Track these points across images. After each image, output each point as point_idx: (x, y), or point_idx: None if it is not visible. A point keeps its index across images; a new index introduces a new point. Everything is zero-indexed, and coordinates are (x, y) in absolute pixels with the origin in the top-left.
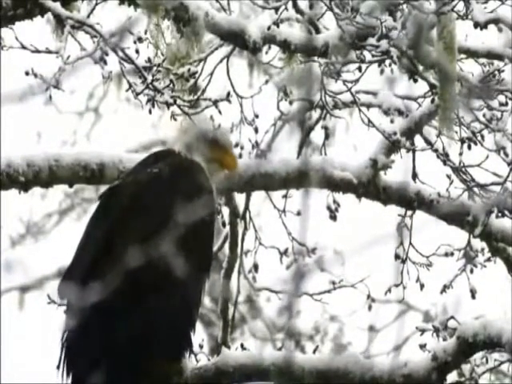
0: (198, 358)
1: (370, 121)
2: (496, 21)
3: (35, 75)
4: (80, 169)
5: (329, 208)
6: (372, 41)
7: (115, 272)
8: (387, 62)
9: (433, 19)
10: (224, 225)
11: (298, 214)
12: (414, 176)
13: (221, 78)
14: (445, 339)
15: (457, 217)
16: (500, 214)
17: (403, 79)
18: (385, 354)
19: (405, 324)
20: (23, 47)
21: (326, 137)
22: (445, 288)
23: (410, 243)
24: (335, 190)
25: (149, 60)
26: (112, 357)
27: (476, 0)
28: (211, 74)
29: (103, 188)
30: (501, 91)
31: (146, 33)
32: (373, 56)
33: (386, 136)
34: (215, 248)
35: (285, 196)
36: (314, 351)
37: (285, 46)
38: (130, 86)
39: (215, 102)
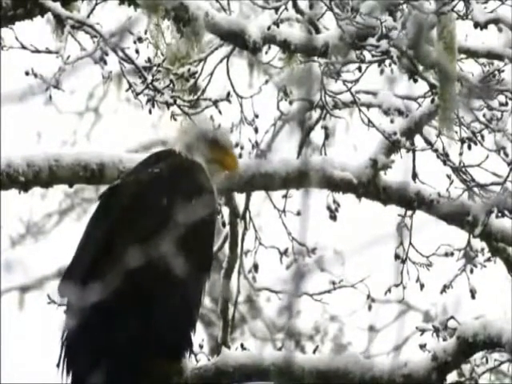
0: (198, 358)
1: (370, 121)
2: (496, 21)
3: (35, 75)
4: (80, 169)
5: (329, 208)
6: (372, 41)
7: (115, 271)
8: (387, 61)
9: (433, 19)
10: (224, 225)
11: (298, 214)
12: (414, 176)
13: (221, 77)
14: (445, 339)
15: (457, 217)
16: (500, 214)
17: (403, 79)
18: (385, 354)
19: (405, 324)
20: (23, 47)
21: (326, 137)
22: (445, 288)
23: (410, 243)
24: (335, 190)
25: (149, 60)
26: (112, 357)
27: (476, 0)
28: (211, 74)
29: (103, 188)
30: (501, 91)
31: (145, 33)
32: (373, 56)
33: (386, 136)
34: (215, 248)
35: (285, 196)
36: (314, 351)
37: (285, 46)
38: (130, 86)
39: (215, 102)
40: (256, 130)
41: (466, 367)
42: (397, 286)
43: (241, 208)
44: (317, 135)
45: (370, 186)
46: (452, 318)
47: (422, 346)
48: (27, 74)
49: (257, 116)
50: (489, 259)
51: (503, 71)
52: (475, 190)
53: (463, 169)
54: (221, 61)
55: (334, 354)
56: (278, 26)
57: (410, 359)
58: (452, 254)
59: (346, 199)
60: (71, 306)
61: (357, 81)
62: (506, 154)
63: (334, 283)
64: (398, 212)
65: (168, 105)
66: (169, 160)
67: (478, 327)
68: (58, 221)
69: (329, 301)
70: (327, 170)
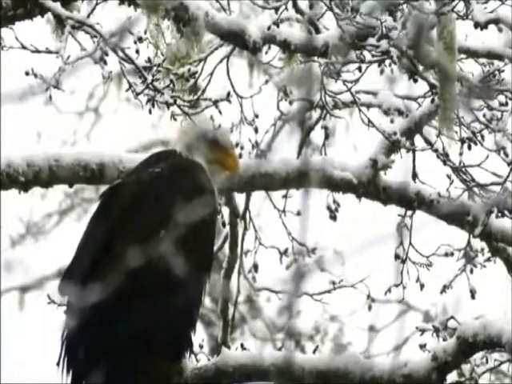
0: (198, 358)
1: (370, 121)
2: (496, 21)
3: (35, 75)
4: (80, 169)
5: (329, 208)
6: (372, 41)
7: (116, 271)
8: (387, 61)
9: (433, 19)
10: (224, 225)
11: (298, 214)
12: (414, 176)
13: (221, 77)
14: (445, 339)
15: (457, 217)
16: (500, 214)
17: (403, 79)
18: (385, 354)
19: (405, 324)
20: (23, 47)
21: (326, 137)
22: (444, 288)
23: (410, 243)
24: (335, 190)
25: (149, 60)
26: (112, 356)
27: (476, 0)
28: (211, 74)
29: (103, 188)
30: (501, 91)
31: (145, 33)
32: (373, 56)
33: (386, 136)
34: (215, 248)
35: (285, 196)
36: (314, 351)
37: (285, 46)
38: (130, 86)
39: (215, 102)
40: (256, 130)
41: (466, 367)
42: (397, 285)
43: (241, 208)
44: (317, 135)
45: (370, 186)
46: (452, 317)
47: (422, 346)
48: (27, 74)
49: (257, 116)
50: (489, 259)
51: (503, 71)
52: (475, 190)
53: (463, 169)
54: (221, 61)
55: (334, 354)
56: (278, 26)
57: (410, 359)
58: (452, 254)
59: (346, 199)
60: (71, 306)
61: (357, 81)
62: (506, 154)
63: (334, 283)
64: (398, 212)
65: (168, 105)
66: (169, 160)
67: (478, 327)
68: (58, 221)
69: (329, 301)
70: (327, 170)
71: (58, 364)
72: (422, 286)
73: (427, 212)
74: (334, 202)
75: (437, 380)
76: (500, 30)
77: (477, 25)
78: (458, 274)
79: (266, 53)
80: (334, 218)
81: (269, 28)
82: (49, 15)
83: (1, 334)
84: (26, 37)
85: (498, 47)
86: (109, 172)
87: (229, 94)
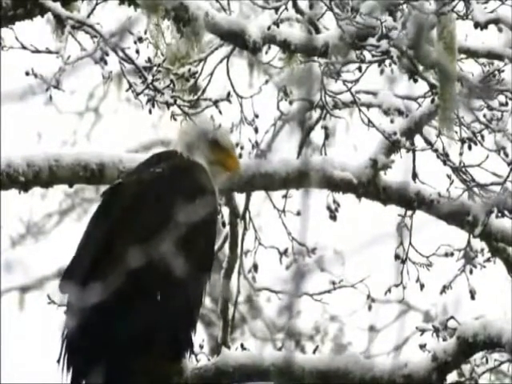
0: (198, 358)
1: (370, 121)
2: (496, 21)
3: (35, 75)
4: (80, 169)
5: (329, 208)
6: (372, 41)
7: (117, 271)
8: (387, 61)
9: (433, 19)
10: (224, 225)
11: (298, 214)
12: (414, 176)
13: (221, 77)
14: (445, 339)
15: (457, 217)
16: (500, 214)
17: (403, 79)
18: (385, 354)
19: (405, 324)
20: (23, 47)
21: (326, 137)
22: (444, 289)
23: (410, 243)
24: (335, 190)
25: (149, 60)
26: (112, 356)
27: (476, 0)
28: (211, 74)
29: (103, 188)
30: (501, 91)
31: (145, 33)
32: (373, 56)
33: (386, 136)
34: (215, 248)
35: (285, 196)
36: (314, 351)
37: (285, 46)
38: (130, 86)
39: (215, 102)
40: (256, 130)
41: (466, 367)
42: (397, 286)
43: (241, 208)
44: (317, 135)
45: (370, 186)
46: (452, 318)
47: (422, 346)
48: (27, 74)
49: (257, 116)
50: (488, 259)
51: (503, 71)
52: (475, 190)
53: (463, 169)
54: (221, 61)
55: (334, 354)
56: (278, 26)
57: (410, 359)
58: (452, 254)
59: (346, 199)
60: (72, 305)
61: (357, 81)
62: (506, 154)
63: (334, 283)
64: (398, 212)
65: (168, 105)
66: (170, 160)
67: (478, 327)
68: (58, 221)
69: (329, 301)
70: (327, 169)
71: (58, 361)
72: (422, 286)
73: (427, 212)
74: (334, 202)
75: (437, 380)
76: (500, 30)
77: (477, 25)
78: (457, 275)
79: (266, 53)
80: (333, 218)
81: (269, 28)
82: (49, 15)
83: (1, 334)
84: (26, 37)
85: (498, 47)
86: (109, 172)
87: (229, 93)
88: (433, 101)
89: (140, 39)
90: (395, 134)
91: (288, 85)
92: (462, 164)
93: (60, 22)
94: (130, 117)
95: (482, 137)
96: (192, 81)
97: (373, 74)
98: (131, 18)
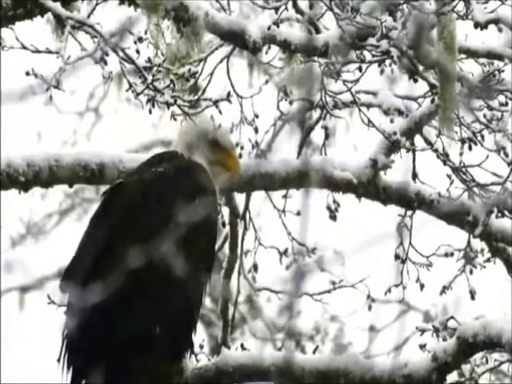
0: (199, 358)
1: (370, 121)
2: (496, 21)
3: (35, 75)
4: (80, 169)
5: (329, 208)
6: (372, 41)
7: (117, 270)
8: (387, 61)
9: (433, 19)
10: (224, 225)
11: (298, 214)
12: (414, 176)
13: (221, 77)
14: (445, 339)
15: (457, 217)
16: (500, 214)
17: (403, 79)
18: (385, 354)
19: (405, 324)
20: (23, 47)
21: (326, 137)
22: (444, 289)
23: (410, 243)
24: (335, 190)
25: (149, 60)
26: (112, 356)
27: (476, 0)
28: (211, 74)
29: (103, 188)
30: (501, 91)
31: (146, 33)
32: (373, 56)
33: (386, 136)
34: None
35: (285, 196)
36: (314, 351)
37: (285, 46)
38: (131, 86)
39: (215, 102)
40: (256, 130)
41: (466, 367)
42: (397, 286)
43: (241, 208)
44: (317, 135)
45: (369, 186)
46: (452, 318)
47: (422, 347)
48: (28, 74)
49: (257, 116)
50: (488, 260)
51: (503, 71)
52: (475, 190)
53: (463, 169)
54: (221, 61)
55: (334, 354)
56: (278, 26)
57: (411, 359)
58: (452, 254)
59: (346, 199)
60: (72, 305)
61: (357, 81)
62: (506, 154)
63: (334, 283)
64: (398, 212)
65: (168, 105)
66: (171, 161)
67: (478, 327)
68: (59, 221)
69: (329, 301)
70: (327, 169)
71: (58, 360)
72: (422, 286)
73: (427, 212)
74: (334, 202)
75: (437, 380)
76: (500, 30)
77: (477, 25)
78: (457, 275)
79: (266, 53)
80: (333, 218)
81: (269, 28)
82: (49, 15)
83: (1, 334)
84: (26, 37)
85: (498, 47)
86: (109, 172)
87: (229, 93)
88: (433, 101)
89: (140, 39)
90: (395, 133)
91: (288, 85)
92: (462, 164)
93: (60, 22)
94: (130, 117)
95: (482, 137)
96: (192, 81)
97: (373, 74)
98: (131, 17)
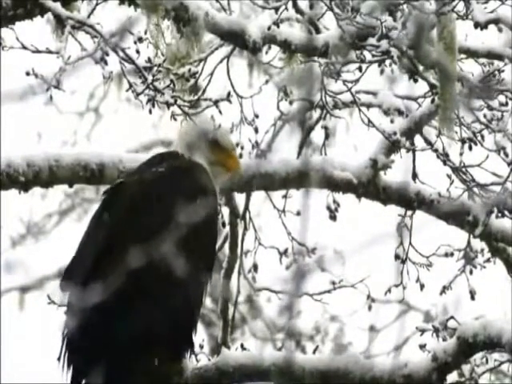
0: (199, 358)
1: (369, 121)
2: (496, 21)
3: (36, 75)
4: (80, 169)
5: (329, 208)
6: (372, 41)
7: (117, 270)
8: (387, 61)
9: (433, 19)
10: (224, 225)
11: (298, 214)
12: (414, 176)
13: (221, 77)
14: (445, 339)
15: (457, 217)
16: (500, 214)
17: (403, 79)
18: (385, 354)
19: (405, 324)
20: (24, 47)
21: (326, 137)
22: (444, 289)
23: (410, 243)
24: (335, 190)
25: (149, 60)
26: (112, 356)
27: (476, 0)
28: (211, 74)
29: (103, 188)
30: (501, 91)
31: (146, 33)
32: (373, 56)
33: (386, 136)
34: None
35: (285, 196)
36: (314, 351)
37: (285, 46)
38: (131, 86)
39: (215, 102)
40: (256, 130)
41: (466, 367)
42: (397, 286)
43: (241, 208)
44: (317, 135)
45: (369, 186)
46: (452, 318)
47: (422, 347)
48: (28, 74)
49: (257, 116)
50: (488, 260)
51: (503, 71)
52: (475, 190)
53: (463, 169)
54: (221, 61)
55: (334, 354)
56: (278, 26)
57: (411, 359)
58: (452, 254)
59: (346, 199)
60: (72, 305)
61: (357, 81)
62: (506, 154)
63: (334, 283)
64: (398, 212)
65: (168, 105)
66: (172, 161)
67: (478, 327)
68: (59, 221)
69: (329, 301)
70: (327, 169)
71: (58, 359)
72: (422, 286)
73: (427, 212)
74: (334, 202)
75: (437, 380)
76: (500, 30)
77: (477, 25)
78: (457, 275)
79: (266, 53)
80: (333, 218)
81: (269, 28)
82: (49, 15)
83: (1, 334)
84: (27, 37)
85: (498, 47)
86: (109, 172)
87: (229, 93)
88: (433, 101)
89: (140, 39)
90: (395, 133)
91: (288, 85)
92: (462, 164)
93: (60, 22)
94: (130, 117)
95: (482, 137)
96: (192, 81)
97: (373, 74)
98: (131, 17)
